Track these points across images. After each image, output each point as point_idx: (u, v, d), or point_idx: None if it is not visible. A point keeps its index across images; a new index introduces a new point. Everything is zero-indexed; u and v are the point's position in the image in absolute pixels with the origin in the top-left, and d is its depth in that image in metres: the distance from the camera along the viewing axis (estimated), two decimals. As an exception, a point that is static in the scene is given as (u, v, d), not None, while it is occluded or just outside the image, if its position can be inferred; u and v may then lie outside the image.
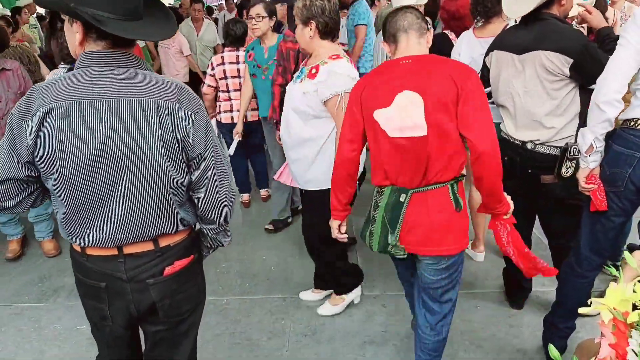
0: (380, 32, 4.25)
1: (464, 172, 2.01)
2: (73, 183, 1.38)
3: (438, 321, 2.19)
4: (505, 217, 2.05)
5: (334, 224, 2.29)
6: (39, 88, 1.36)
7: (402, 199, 1.96)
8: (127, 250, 1.50)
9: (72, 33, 1.40)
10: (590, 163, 2.19)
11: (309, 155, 2.62)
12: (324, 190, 2.54)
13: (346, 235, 2.34)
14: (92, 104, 1.34)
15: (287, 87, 2.71)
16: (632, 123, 2.07)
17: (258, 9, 3.60)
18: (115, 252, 1.49)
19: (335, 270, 2.95)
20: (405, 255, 2.03)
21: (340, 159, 2.09)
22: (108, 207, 1.43)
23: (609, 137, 2.15)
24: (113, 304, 1.55)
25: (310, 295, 3.16)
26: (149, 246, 1.52)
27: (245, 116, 4.08)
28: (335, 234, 2.31)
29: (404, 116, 1.87)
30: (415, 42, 1.97)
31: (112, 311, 1.57)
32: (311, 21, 2.50)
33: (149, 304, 1.56)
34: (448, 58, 2.05)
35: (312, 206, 2.78)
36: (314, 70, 2.52)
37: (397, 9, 2.03)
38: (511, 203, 2.04)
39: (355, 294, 3.06)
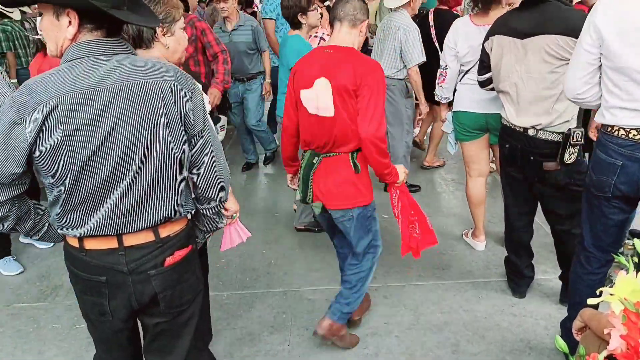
0: (382, 22, 4.21)
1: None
2: (82, 172, 1.38)
3: (354, 272, 2.54)
4: (397, 184, 2.46)
5: (288, 176, 2.72)
6: (32, 84, 1.34)
7: (314, 161, 2.39)
8: (128, 242, 1.49)
9: (60, 28, 1.37)
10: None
11: None
12: None
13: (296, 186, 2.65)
14: (96, 93, 1.34)
15: None
16: (609, 129, 2.01)
17: None
18: (115, 244, 1.48)
19: None
20: (319, 209, 2.46)
21: (283, 128, 2.51)
22: (114, 191, 1.42)
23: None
24: (113, 297, 1.54)
25: None
26: (150, 237, 1.51)
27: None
28: (289, 184, 2.74)
29: (317, 98, 2.26)
30: (345, 32, 2.29)
31: (112, 305, 1.55)
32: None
33: (150, 295, 1.55)
34: (362, 54, 2.35)
35: None
36: None
37: None
38: (401, 173, 2.44)
39: None
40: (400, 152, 4.43)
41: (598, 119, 2.05)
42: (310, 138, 2.37)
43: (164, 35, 1.87)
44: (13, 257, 3.58)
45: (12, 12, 5.34)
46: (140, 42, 1.89)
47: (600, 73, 2.00)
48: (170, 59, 1.94)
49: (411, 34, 3.95)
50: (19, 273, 3.48)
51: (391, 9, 4.27)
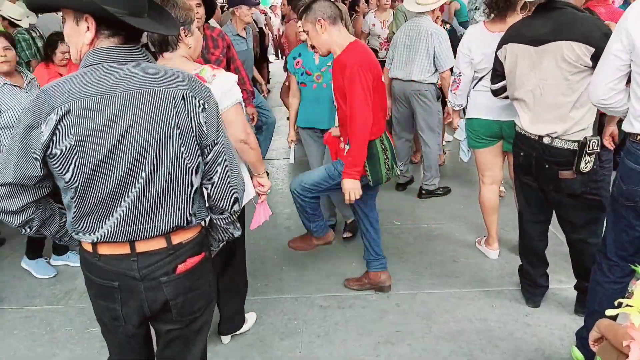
0: (402, 26, 4.27)
1: None
2: (93, 177, 1.39)
3: None
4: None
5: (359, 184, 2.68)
6: (49, 88, 1.36)
7: (386, 133, 2.84)
8: (140, 248, 1.49)
9: (79, 33, 1.39)
10: None
11: None
12: None
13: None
14: (108, 99, 1.35)
15: None
16: (639, 137, 1.97)
17: None
18: (128, 250, 1.49)
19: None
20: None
21: (367, 123, 2.59)
22: (126, 198, 1.43)
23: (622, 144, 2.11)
24: (126, 303, 1.55)
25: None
26: (162, 244, 1.51)
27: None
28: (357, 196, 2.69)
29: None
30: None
31: (124, 311, 1.56)
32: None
33: (162, 302, 1.56)
34: None
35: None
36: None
37: None
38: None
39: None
40: (435, 156, 4.50)
41: (626, 127, 2.01)
42: (385, 116, 2.83)
43: (186, 36, 2.04)
44: (45, 259, 3.58)
45: (20, 20, 5.41)
46: (167, 45, 2.06)
47: (628, 80, 1.97)
48: (193, 56, 2.12)
49: (444, 38, 4.08)
50: (53, 276, 3.49)
51: (404, 16, 4.29)
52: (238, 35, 4.60)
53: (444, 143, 5.47)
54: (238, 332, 2.79)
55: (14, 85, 3.12)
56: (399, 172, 2.97)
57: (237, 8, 4.53)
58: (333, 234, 3.17)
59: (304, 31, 2.77)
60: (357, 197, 2.66)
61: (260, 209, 2.56)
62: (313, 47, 2.76)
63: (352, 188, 2.64)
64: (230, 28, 4.63)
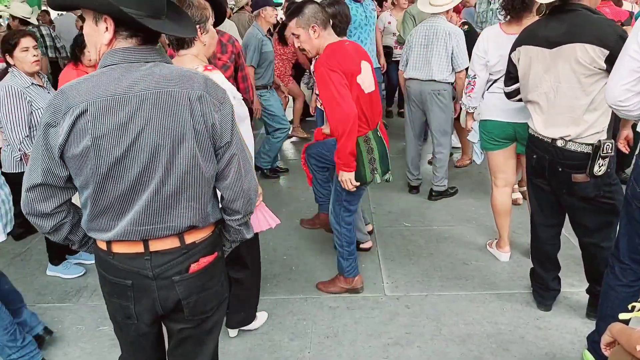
0: (417, 27, 4.26)
1: None
2: (108, 176, 1.40)
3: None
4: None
5: (352, 175, 2.72)
6: (66, 88, 1.38)
7: (379, 134, 2.86)
8: (154, 247, 1.50)
9: (98, 33, 1.40)
10: None
11: None
12: None
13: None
14: (125, 99, 1.36)
15: None
16: None
17: None
18: (141, 249, 1.50)
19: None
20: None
21: (354, 113, 2.59)
22: (140, 197, 1.44)
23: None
24: (139, 302, 1.56)
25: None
26: (175, 243, 1.52)
27: None
28: (353, 185, 2.75)
29: (367, 78, 2.72)
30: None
31: (137, 309, 1.57)
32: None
33: (174, 301, 1.56)
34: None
35: None
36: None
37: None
38: None
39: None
40: (446, 156, 4.51)
41: None
42: (371, 115, 2.76)
43: (202, 34, 2.10)
44: (71, 261, 3.59)
45: (29, 18, 5.49)
46: (183, 43, 2.13)
47: None
48: (207, 53, 2.17)
49: (461, 38, 4.09)
50: (83, 274, 3.51)
51: (412, 19, 4.30)
52: (265, 35, 4.60)
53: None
54: (247, 329, 2.80)
55: (38, 85, 3.19)
56: (388, 178, 2.96)
57: (262, 10, 4.54)
58: (362, 282, 3.17)
59: (292, 34, 2.73)
60: (351, 186, 2.74)
61: (256, 214, 2.49)
62: (303, 50, 2.73)
63: (345, 179, 2.74)
64: (259, 29, 4.62)
